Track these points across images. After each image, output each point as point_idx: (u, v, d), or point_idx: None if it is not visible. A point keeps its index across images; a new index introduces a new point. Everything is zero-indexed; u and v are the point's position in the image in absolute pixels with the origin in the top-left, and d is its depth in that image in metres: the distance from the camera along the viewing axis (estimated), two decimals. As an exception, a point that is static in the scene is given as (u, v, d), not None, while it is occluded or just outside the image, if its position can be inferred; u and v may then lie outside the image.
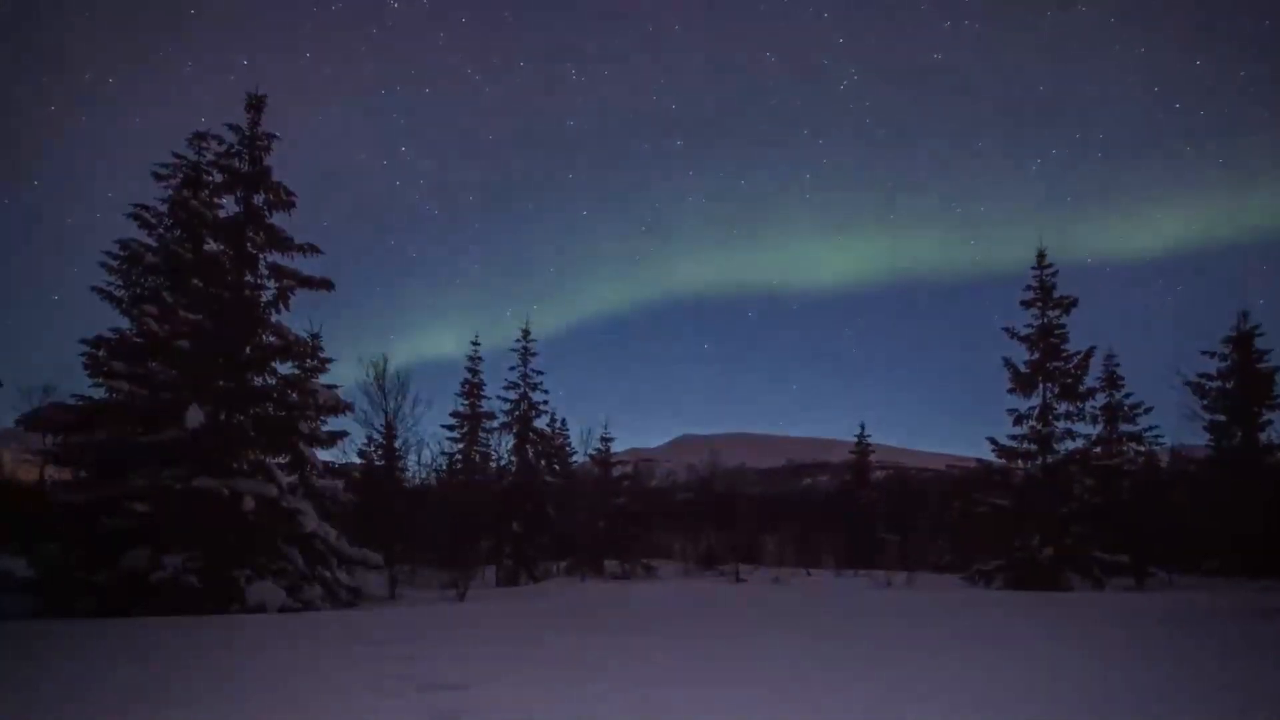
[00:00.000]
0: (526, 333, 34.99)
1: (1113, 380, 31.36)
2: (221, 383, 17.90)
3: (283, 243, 19.23)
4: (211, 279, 18.35)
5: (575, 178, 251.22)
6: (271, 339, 19.01)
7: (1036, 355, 28.37)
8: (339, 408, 19.54)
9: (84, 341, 17.51)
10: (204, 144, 19.25)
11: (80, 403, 17.37)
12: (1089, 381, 28.66)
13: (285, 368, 19.39)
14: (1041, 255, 28.48)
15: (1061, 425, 28.23)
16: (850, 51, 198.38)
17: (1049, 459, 28.07)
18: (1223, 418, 31.28)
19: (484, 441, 35.23)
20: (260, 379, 19.08)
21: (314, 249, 19.55)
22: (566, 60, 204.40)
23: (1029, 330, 28.49)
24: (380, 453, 29.39)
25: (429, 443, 42.05)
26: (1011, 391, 28.67)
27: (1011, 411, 28.59)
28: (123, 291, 18.48)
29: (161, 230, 18.80)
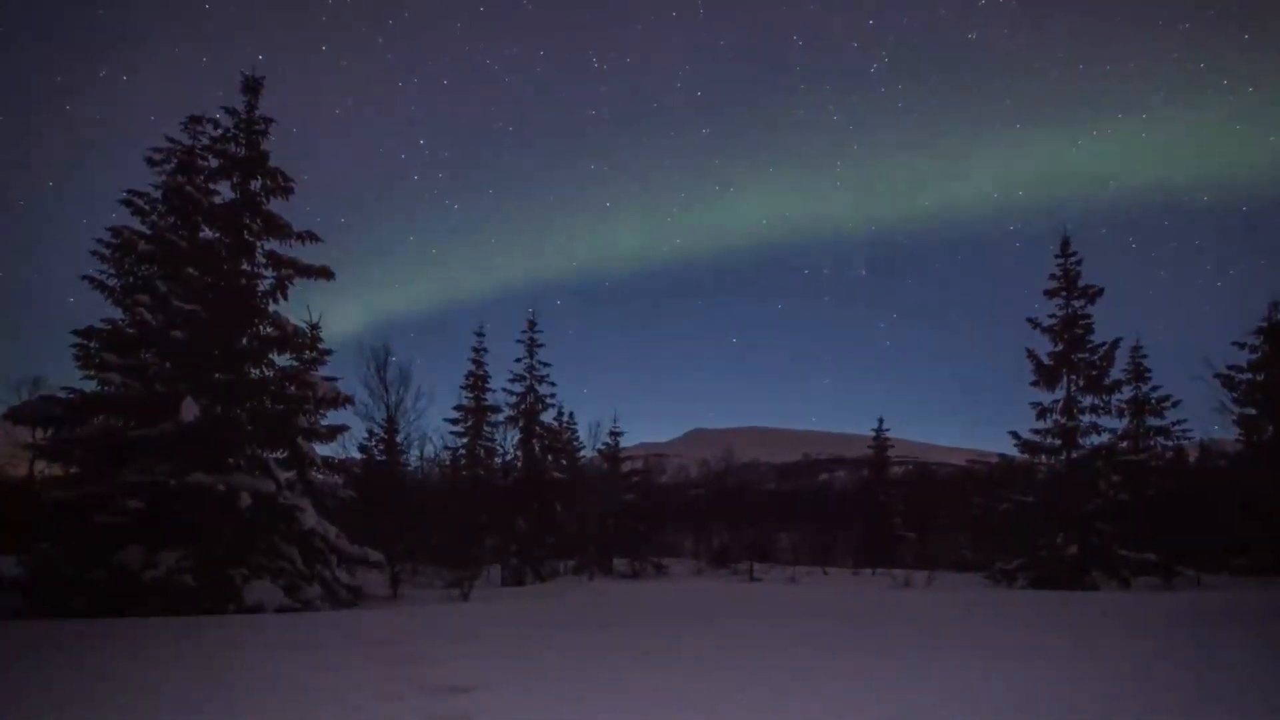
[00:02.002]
0: (533, 324, 34.89)
1: (1139, 372, 30.90)
2: (217, 375, 17.75)
3: (281, 230, 19.08)
4: (207, 267, 18.22)
5: (597, 168, 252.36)
6: (269, 330, 18.88)
7: (1060, 347, 28.10)
8: (339, 401, 19.42)
9: (75, 332, 17.46)
10: (199, 128, 19.11)
11: (71, 396, 17.25)
12: (1115, 373, 28.35)
13: (283, 359, 19.23)
14: (1066, 243, 28.20)
15: (1086, 419, 28.01)
16: (880, 34, 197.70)
17: (1074, 454, 27.82)
18: (1253, 411, 30.87)
19: (489, 436, 35.13)
20: (258, 371, 18.90)
21: (314, 236, 19.42)
22: (588, 48, 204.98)
23: (1053, 321, 28.23)
24: (381, 447, 29.32)
25: (432, 437, 42.09)
26: (1035, 384, 28.44)
27: (1035, 405, 28.40)
28: (115, 281, 18.33)
29: (155, 217, 18.66)
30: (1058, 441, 28.03)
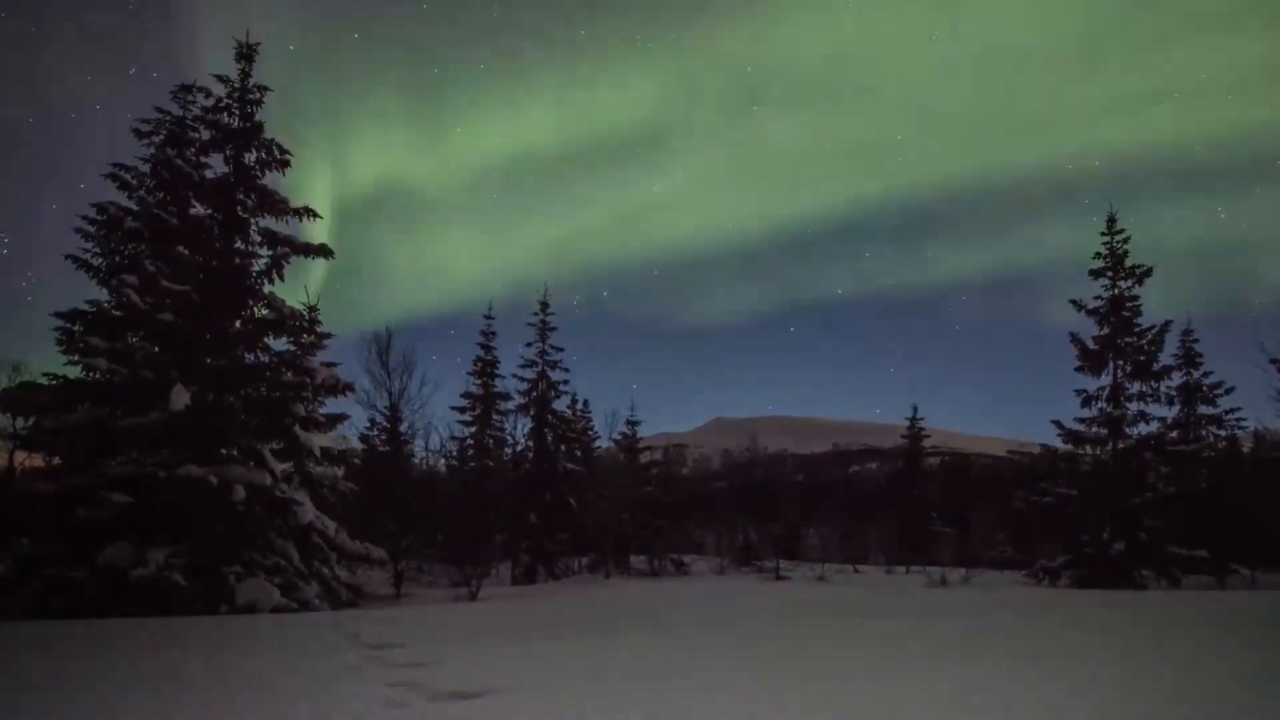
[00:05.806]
0: (545, 306, 34.49)
1: (1190, 358, 30.41)
2: (209, 360, 17.65)
3: (277, 205, 18.88)
4: (198, 245, 18.01)
5: (642, 153, 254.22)
6: (264, 312, 18.69)
7: (1106, 330, 27.68)
8: (338, 388, 19.25)
9: (58, 315, 17.25)
10: (190, 97, 18.84)
11: (54, 382, 17.14)
12: (1164, 359, 27.90)
13: (279, 343, 19.07)
14: (1112, 221, 27.75)
15: (1134, 407, 27.59)
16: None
17: (1120, 444, 27.38)
18: (1312, 398, 30.30)
19: (498, 425, 34.84)
20: (252, 356, 18.77)
21: (312, 213, 19.22)
22: (631, 31, 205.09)
23: (1098, 303, 27.79)
24: (384, 437, 29.15)
25: (438, 426, 41.78)
26: (1079, 370, 28.08)
27: (1079, 392, 28.04)
28: (100, 260, 18.15)
29: (143, 192, 18.45)
30: (1103, 431, 27.56)
